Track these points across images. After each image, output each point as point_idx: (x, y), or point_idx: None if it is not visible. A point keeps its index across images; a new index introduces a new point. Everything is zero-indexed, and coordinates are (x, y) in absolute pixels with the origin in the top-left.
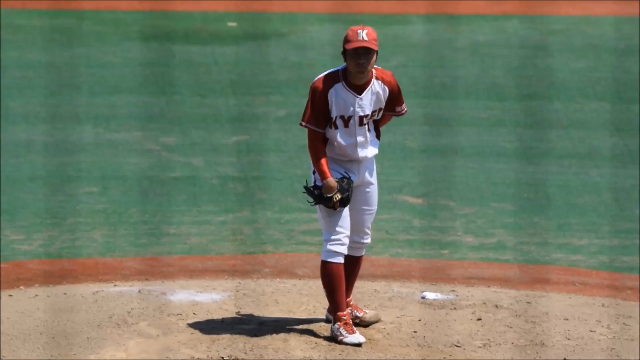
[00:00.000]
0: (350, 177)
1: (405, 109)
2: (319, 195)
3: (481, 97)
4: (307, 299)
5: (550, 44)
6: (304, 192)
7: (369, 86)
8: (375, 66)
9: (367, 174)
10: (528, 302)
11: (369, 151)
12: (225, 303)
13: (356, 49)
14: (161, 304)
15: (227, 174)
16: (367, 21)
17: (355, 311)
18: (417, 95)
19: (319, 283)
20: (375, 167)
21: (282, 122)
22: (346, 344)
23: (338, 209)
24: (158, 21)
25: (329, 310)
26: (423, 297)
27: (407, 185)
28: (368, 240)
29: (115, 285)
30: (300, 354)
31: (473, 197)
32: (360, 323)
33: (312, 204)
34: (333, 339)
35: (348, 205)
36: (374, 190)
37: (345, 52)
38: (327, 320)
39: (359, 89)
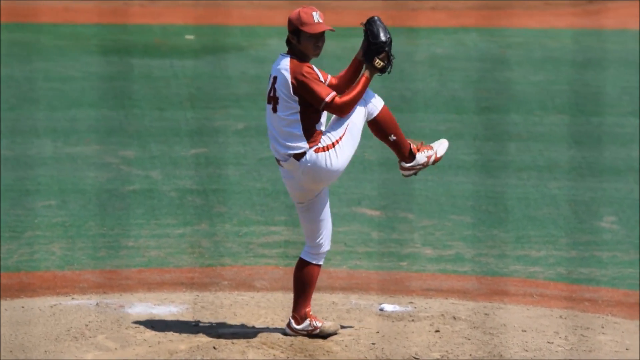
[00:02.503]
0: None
1: None
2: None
3: (440, 109)
4: (265, 311)
5: (509, 57)
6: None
7: None
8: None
9: None
10: (486, 314)
11: None
12: (184, 315)
13: (321, 35)
14: (119, 317)
15: (186, 187)
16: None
17: (314, 321)
18: None
19: (277, 296)
20: None
21: (241, 135)
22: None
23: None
24: (117, 35)
25: (287, 325)
26: (381, 309)
27: (366, 198)
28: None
29: (73, 298)
30: None
31: (432, 210)
32: (319, 334)
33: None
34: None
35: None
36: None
37: (299, 34)
38: (285, 333)
39: None
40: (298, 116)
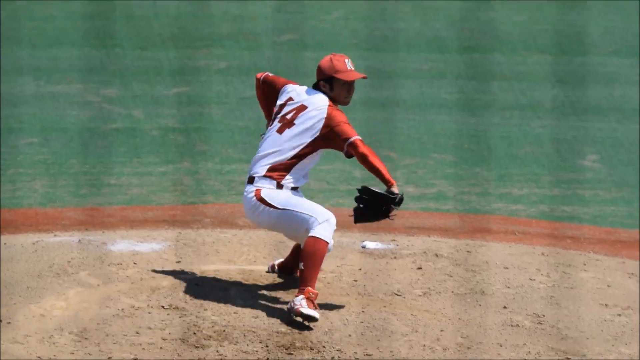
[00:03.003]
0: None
1: None
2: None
3: (422, 49)
4: (247, 248)
5: None
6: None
7: None
8: None
9: None
10: (468, 251)
11: None
12: (166, 253)
13: (353, 81)
14: (101, 254)
15: (168, 125)
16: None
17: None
18: (358, 48)
19: (259, 233)
20: None
21: (224, 75)
22: (301, 313)
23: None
24: None
25: (272, 267)
26: (363, 247)
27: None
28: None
29: (55, 235)
30: (241, 303)
31: (414, 149)
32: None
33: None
34: (290, 309)
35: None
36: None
37: (331, 81)
38: (268, 271)
39: None
40: (300, 150)
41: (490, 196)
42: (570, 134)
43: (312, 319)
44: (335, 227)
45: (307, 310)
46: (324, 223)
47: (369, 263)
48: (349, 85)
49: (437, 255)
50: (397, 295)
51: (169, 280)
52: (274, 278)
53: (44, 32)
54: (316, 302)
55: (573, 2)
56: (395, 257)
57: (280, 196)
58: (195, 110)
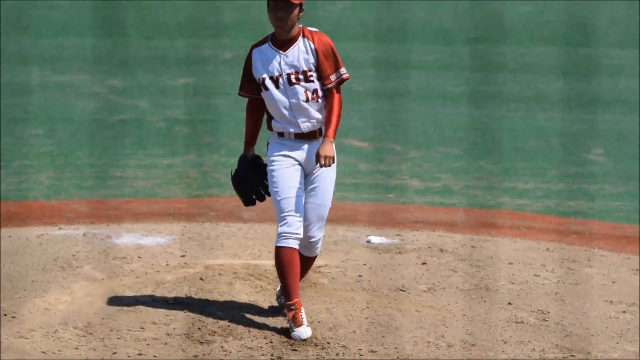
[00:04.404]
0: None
1: (346, 75)
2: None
3: (429, 40)
4: (252, 242)
5: None
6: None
7: (295, 43)
8: (311, 29)
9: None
10: (473, 247)
11: (313, 121)
12: (171, 246)
13: (276, 1)
14: (106, 247)
15: (174, 117)
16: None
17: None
18: (364, 39)
19: (264, 227)
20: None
21: (230, 65)
22: (292, 338)
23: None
24: None
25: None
26: (368, 241)
27: (354, 129)
28: (315, 239)
29: (60, 228)
30: (246, 298)
31: (420, 141)
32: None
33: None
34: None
35: (297, 185)
36: (320, 180)
37: (267, 5)
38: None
39: (284, 46)
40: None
41: (496, 190)
42: (576, 127)
43: (301, 338)
44: (293, 221)
45: (294, 333)
46: (282, 224)
47: (373, 258)
48: (273, 8)
49: (441, 251)
50: (401, 290)
51: (174, 275)
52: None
53: (49, 20)
54: (302, 316)
55: None
56: (400, 252)
57: (269, 153)
58: (201, 101)
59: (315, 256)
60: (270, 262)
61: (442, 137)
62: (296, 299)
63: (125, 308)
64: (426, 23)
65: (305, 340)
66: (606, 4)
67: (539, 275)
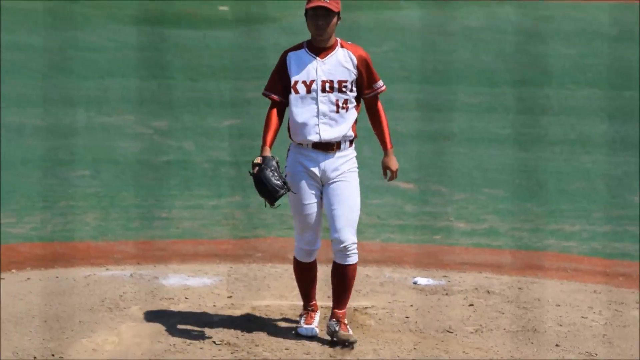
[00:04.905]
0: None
1: (383, 87)
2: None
3: (473, 82)
4: None
5: (542, 30)
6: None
7: (333, 52)
8: (347, 42)
9: (332, 168)
10: (520, 288)
11: (335, 131)
12: (217, 287)
13: (315, 9)
14: (153, 288)
15: (219, 158)
16: (359, 6)
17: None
18: (408, 81)
19: None
20: (351, 162)
21: None
22: (299, 334)
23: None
24: (150, 4)
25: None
26: (415, 283)
27: (399, 171)
28: (347, 243)
29: (107, 269)
30: (293, 339)
31: (465, 183)
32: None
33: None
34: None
35: (313, 200)
36: (342, 187)
37: (306, 14)
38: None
39: (321, 53)
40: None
41: (542, 232)
42: (621, 169)
43: (309, 335)
44: (307, 236)
45: (300, 329)
46: (299, 238)
47: (420, 299)
48: (313, 16)
49: (488, 292)
50: (448, 332)
51: (220, 316)
52: (326, 313)
53: (94, 62)
54: (314, 318)
55: (622, 37)
56: (446, 294)
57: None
58: (246, 143)
59: (356, 264)
60: (318, 303)
61: (487, 179)
62: (313, 302)
63: (172, 349)
64: (470, 65)
65: (310, 336)
66: None
67: (587, 317)
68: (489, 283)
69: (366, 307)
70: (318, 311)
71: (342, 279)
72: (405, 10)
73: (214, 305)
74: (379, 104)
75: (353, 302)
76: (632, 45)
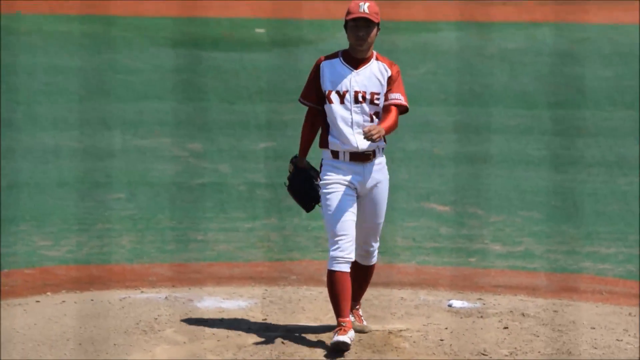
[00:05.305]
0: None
1: (399, 100)
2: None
3: (510, 104)
4: None
5: (579, 52)
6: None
7: (368, 63)
8: (383, 56)
9: (369, 178)
10: (555, 311)
11: (369, 142)
12: (252, 310)
13: (356, 20)
14: (188, 311)
15: (255, 180)
16: (397, 28)
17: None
18: (446, 103)
19: None
20: (385, 170)
21: None
22: (330, 345)
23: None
24: (186, 27)
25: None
26: (450, 305)
27: (435, 193)
28: (372, 248)
29: (142, 291)
30: None
31: (501, 205)
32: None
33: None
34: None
35: (349, 209)
36: (378, 201)
37: (346, 25)
38: (355, 331)
39: (356, 65)
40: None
41: (578, 254)
42: None
43: (338, 341)
44: (341, 240)
45: (334, 339)
46: (334, 249)
47: (455, 322)
48: (353, 27)
49: (523, 315)
50: (483, 355)
51: (255, 338)
52: (360, 337)
53: (130, 85)
54: (344, 330)
55: None
56: (481, 316)
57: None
58: (282, 165)
59: (374, 265)
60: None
61: (524, 201)
62: (347, 318)
63: None
64: (507, 87)
65: (337, 344)
66: None
67: (621, 340)
68: (524, 306)
69: (401, 330)
70: (352, 329)
71: (362, 276)
72: (443, 32)
73: (249, 328)
74: (394, 112)
75: (388, 324)
76: None
